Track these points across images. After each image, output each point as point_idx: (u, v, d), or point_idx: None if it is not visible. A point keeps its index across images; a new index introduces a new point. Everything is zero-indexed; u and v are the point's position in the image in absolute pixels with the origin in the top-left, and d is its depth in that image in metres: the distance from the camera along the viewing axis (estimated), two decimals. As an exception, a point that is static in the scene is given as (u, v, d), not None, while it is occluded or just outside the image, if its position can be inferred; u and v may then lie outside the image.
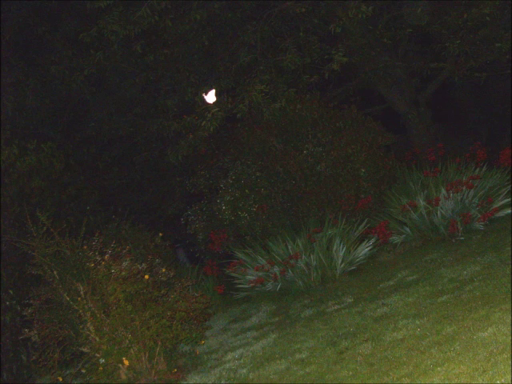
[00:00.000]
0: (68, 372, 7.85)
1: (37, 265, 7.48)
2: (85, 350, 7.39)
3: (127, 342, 7.22)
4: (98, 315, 7.24)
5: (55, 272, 7.38)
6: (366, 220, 10.21)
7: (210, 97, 10.79)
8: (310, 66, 11.36)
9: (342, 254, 9.49)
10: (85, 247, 7.57)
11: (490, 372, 4.91)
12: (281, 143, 11.47)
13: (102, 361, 7.16)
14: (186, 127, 11.10)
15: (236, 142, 12.03)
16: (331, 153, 11.14)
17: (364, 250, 9.69)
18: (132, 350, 7.25)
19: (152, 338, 7.30)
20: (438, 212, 9.61)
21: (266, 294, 9.71)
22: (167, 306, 7.44)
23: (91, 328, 7.27)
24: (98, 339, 7.23)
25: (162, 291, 7.61)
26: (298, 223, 10.63)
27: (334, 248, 9.52)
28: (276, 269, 9.61)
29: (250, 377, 6.77)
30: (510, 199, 9.69)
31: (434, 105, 14.84)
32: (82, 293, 7.32)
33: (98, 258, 7.47)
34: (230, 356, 7.65)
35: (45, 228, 7.43)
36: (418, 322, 6.59)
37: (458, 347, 5.57)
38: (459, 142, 14.81)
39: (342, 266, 9.46)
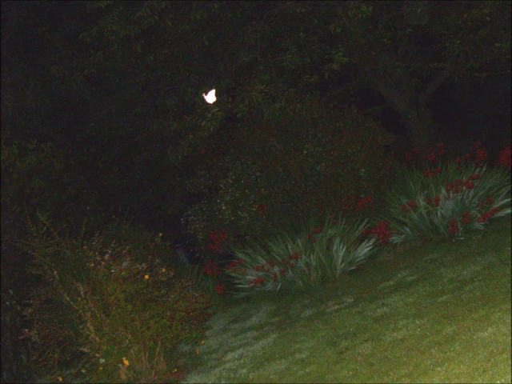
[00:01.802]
0: (68, 372, 7.86)
1: (37, 265, 7.48)
2: (85, 349, 7.39)
3: (127, 342, 7.22)
4: (98, 315, 7.24)
5: (55, 272, 7.38)
6: (366, 220, 10.21)
7: (210, 97, 10.79)
8: (310, 66, 11.35)
9: (341, 254, 9.49)
10: (85, 247, 7.57)
11: (490, 372, 4.91)
12: (281, 143, 11.47)
13: (102, 361, 7.16)
14: (186, 127, 11.10)
15: (236, 141, 12.03)
16: (331, 153, 11.14)
17: (364, 250, 9.69)
18: (132, 350, 7.25)
19: (152, 338, 7.30)
20: (438, 212, 9.61)
21: (265, 293, 9.71)
22: (167, 305, 7.44)
23: (91, 328, 7.27)
24: (97, 339, 7.23)
25: (162, 291, 7.61)
26: (298, 223, 10.63)
27: (334, 248, 9.53)
28: (276, 269, 9.61)
29: (250, 377, 6.77)
30: (510, 199, 9.68)
31: (434, 105, 14.82)
32: (82, 293, 7.32)
33: (98, 258, 7.48)
34: (230, 356, 7.65)
35: (45, 228, 7.43)
36: (418, 321, 6.58)
37: (458, 347, 5.57)
38: (459, 141, 14.80)
39: (342, 266, 9.47)
